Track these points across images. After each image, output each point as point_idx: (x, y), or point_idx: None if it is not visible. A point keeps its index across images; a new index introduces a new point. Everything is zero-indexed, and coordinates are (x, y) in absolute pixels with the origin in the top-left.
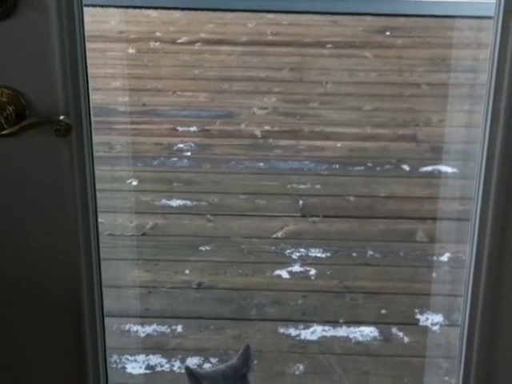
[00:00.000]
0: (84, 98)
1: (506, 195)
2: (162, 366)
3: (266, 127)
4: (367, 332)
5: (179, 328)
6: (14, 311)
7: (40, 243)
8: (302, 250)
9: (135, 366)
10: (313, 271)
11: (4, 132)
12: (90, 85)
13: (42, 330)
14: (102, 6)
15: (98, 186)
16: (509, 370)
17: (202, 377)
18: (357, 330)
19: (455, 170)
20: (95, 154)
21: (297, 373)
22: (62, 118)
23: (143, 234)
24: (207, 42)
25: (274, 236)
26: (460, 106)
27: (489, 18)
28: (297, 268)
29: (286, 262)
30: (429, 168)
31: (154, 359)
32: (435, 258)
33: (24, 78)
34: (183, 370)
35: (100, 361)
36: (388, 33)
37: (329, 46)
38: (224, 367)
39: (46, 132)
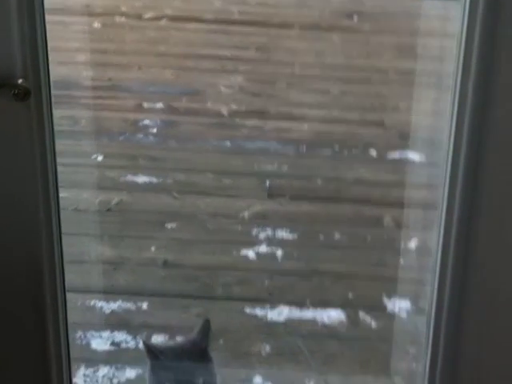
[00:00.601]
0: (43, 62)
1: (472, 183)
2: (127, 343)
3: (233, 106)
4: (334, 315)
5: (144, 305)
6: None
7: None
8: (269, 230)
9: (100, 342)
10: (279, 252)
11: None
12: (54, 58)
13: (3, 303)
14: None
15: (62, 160)
16: (475, 357)
17: (159, 351)
18: (324, 312)
19: (423, 157)
20: (59, 129)
21: (263, 353)
22: (20, 81)
23: (108, 210)
24: (173, 18)
25: (241, 216)
26: (427, 94)
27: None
28: (263, 248)
29: (253, 242)
30: (396, 154)
31: (119, 336)
32: (402, 243)
33: None
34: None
35: (62, 336)
36: (355, 17)
37: (296, 27)
38: (183, 342)
39: (4, 96)
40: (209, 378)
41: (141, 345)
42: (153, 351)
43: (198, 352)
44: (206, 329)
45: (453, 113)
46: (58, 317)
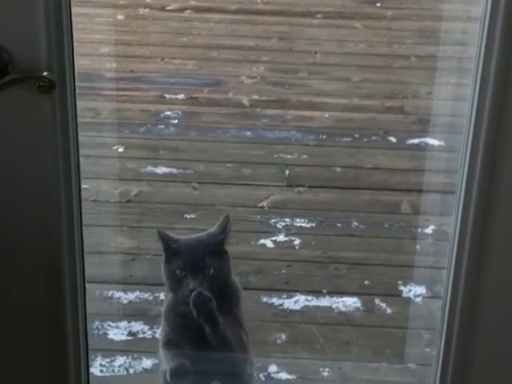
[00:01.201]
0: (68, 55)
1: (491, 168)
2: (143, 333)
3: (254, 96)
4: (350, 302)
5: (162, 295)
6: None
7: (20, 206)
8: (287, 219)
9: (117, 332)
10: (297, 241)
11: None
12: (78, 50)
13: (22, 293)
14: None
15: (83, 152)
16: (489, 343)
17: (174, 241)
18: (339, 300)
19: (442, 143)
20: (81, 120)
21: (279, 342)
22: (45, 74)
23: (128, 201)
24: (197, 9)
25: (260, 205)
26: (448, 79)
27: None
28: (281, 237)
29: (271, 232)
30: (415, 140)
31: (136, 326)
32: (419, 230)
33: (6, 32)
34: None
35: (80, 326)
36: (378, 4)
37: (318, 16)
38: (200, 234)
39: (29, 88)
40: (220, 269)
41: (156, 235)
42: (165, 239)
43: (213, 244)
44: (225, 224)
45: (473, 97)
46: (77, 307)
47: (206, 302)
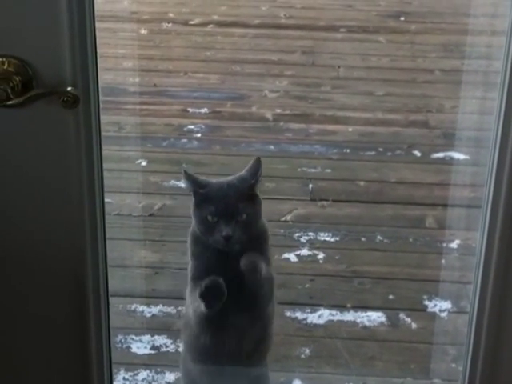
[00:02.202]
0: (92, 70)
1: None
2: (167, 347)
3: (278, 110)
4: (374, 317)
5: (184, 309)
6: (18, 288)
7: (44, 218)
8: (311, 233)
9: (140, 346)
10: (321, 255)
11: (10, 102)
12: (101, 65)
13: (46, 308)
14: None
15: (106, 165)
16: None
17: (202, 185)
18: (364, 314)
19: (467, 157)
20: (105, 134)
21: (303, 356)
22: (69, 89)
23: (151, 215)
24: (220, 23)
25: (283, 219)
26: (473, 93)
27: None
28: (305, 252)
29: (295, 246)
30: (440, 154)
31: (159, 340)
32: (444, 244)
33: (31, 48)
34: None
35: (104, 340)
36: (402, 18)
37: (342, 30)
38: (231, 178)
39: (53, 103)
40: (252, 214)
41: (184, 177)
42: (195, 184)
43: (245, 188)
44: (256, 167)
45: (500, 111)
46: (101, 321)
47: (255, 269)
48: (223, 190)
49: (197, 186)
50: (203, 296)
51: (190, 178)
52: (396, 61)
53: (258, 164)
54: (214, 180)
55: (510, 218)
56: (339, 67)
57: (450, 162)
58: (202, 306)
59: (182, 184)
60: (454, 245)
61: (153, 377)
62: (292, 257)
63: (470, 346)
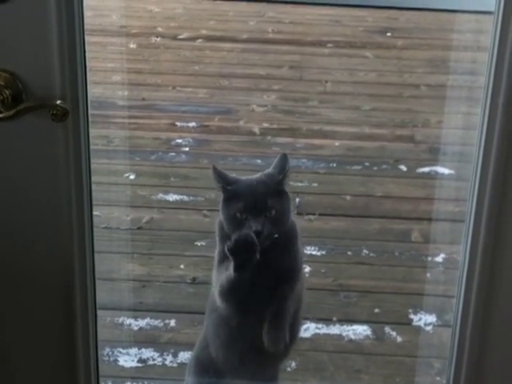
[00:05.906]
0: (81, 83)
1: (500, 197)
2: (154, 360)
3: (265, 124)
4: (360, 330)
5: (172, 322)
6: (6, 301)
7: (33, 231)
8: None
9: (127, 359)
10: (307, 269)
11: (0, 115)
12: (90, 78)
13: (34, 320)
14: None
15: (95, 179)
16: (499, 372)
17: (230, 181)
18: (350, 328)
19: (452, 172)
20: (93, 148)
21: (289, 369)
22: (58, 102)
23: (139, 228)
24: (208, 38)
25: None
26: (458, 108)
27: (489, 13)
28: None
29: None
30: (426, 169)
31: (147, 353)
32: (430, 258)
33: (21, 61)
34: (175, 365)
35: (91, 353)
36: (389, 34)
37: (329, 45)
38: (259, 175)
39: (43, 116)
40: (281, 210)
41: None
42: (224, 180)
43: (273, 184)
44: (283, 163)
45: (482, 126)
46: (89, 333)
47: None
48: (252, 187)
49: (225, 182)
50: (233, 251)
51: (218, 174)
52: (383, 76)
53: (284, 160)
54: (242, 177)
55: (493, 232)
56: (326, 82)
57: (435, 176)
58: (232, 268)
59: (170, 198)
60: (440, 259)
61: None
62: None
63: (453, 359)
